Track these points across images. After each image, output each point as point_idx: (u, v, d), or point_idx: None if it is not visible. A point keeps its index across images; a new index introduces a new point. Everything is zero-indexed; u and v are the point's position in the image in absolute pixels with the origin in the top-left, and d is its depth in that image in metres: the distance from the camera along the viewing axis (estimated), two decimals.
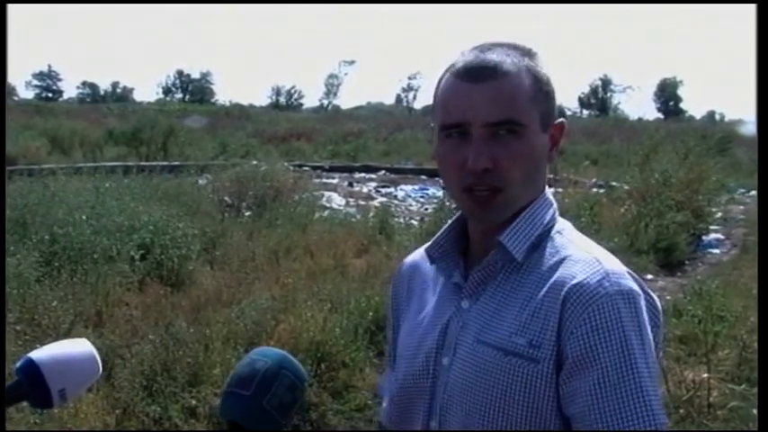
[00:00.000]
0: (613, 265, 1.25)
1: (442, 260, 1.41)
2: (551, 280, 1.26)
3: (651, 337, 1.22)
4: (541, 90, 1.32)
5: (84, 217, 7.52)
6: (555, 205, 1.38)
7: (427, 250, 1.42)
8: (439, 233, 1.42)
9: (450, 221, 1.42)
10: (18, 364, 1.20)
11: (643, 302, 1.23)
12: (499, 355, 1.25)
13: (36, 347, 1.26)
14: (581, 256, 1.27)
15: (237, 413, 1.26)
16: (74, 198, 8.44)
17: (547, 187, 1.39)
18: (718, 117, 69.58)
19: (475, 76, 1.30)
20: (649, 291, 1.27)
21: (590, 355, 1.18)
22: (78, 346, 1.25)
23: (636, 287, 1.23)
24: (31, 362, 1.20)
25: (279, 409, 1.25)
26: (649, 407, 1.15)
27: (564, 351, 1.20)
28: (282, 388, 1.25)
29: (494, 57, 1.31)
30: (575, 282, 1.23)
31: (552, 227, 1.34)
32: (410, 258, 1.54)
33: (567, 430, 1.20)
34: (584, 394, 1.17)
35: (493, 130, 1.28)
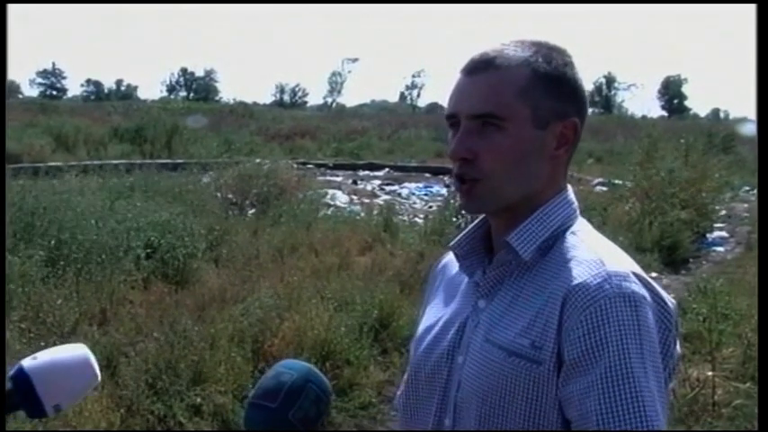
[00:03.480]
0: (618, 267, 1.22)
1: (466, 258, 1.40)
2: (555, 281, 1.24)
3: (656, 340, 1.19)
4: (540, 85, 1.30)
5: (93, 221, 7.50)
6: (575, 205, 1.36)
7: (451, 248, 1.42)
8: (464, 231, 1.41)
9: (477, 220, 1.41)
10: (10, 372, 1.15)
11: (648, 306, 1.19)
12: (504, 356, 1.24)
13: (41, 346, 1.22)
14: (586, 256, 1.25)
15: (263, 425, 1.26)
16: (82, 201, 8.42)
17: (569, 187, 1.37)
18: (722, 115, 69.79)
19: (470, 69, 1.32)
20: (663, 295, 1.24)
21: (586, 357, 1.16)
22: (74, 353, 1.19)
23: (639, 290, 1.19)
24: (21, 371, 1.14)
25: (304, 422, 1.25)
26: (643, 410, 1.13)
27: (562, 353, 1.19)
28: (308, 401, 1.26)
29: (495, 50, 1.32)
30: (575, 283, 1.21)
31: (569, 227, 1.32)
32: (445, 257, 1.53)
33: (566, 431, 1.19)
34: (580, 397, 1.16)
35: (479, 122, 1.29)
